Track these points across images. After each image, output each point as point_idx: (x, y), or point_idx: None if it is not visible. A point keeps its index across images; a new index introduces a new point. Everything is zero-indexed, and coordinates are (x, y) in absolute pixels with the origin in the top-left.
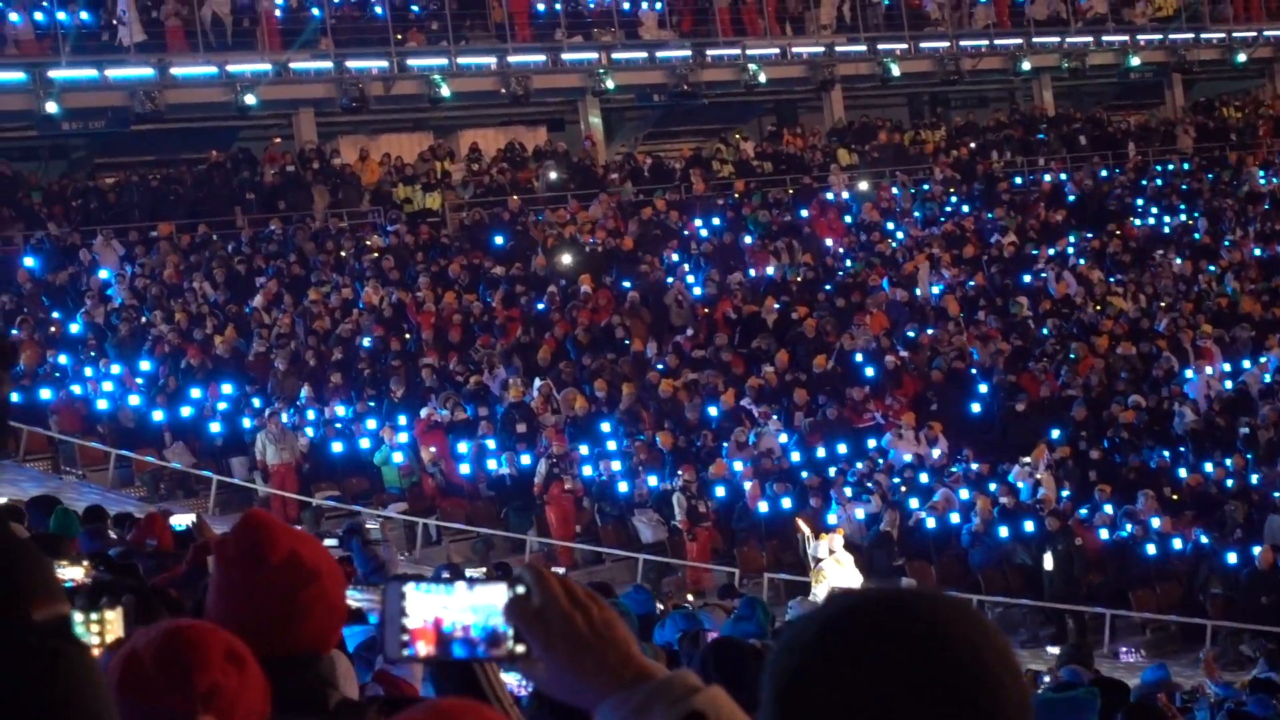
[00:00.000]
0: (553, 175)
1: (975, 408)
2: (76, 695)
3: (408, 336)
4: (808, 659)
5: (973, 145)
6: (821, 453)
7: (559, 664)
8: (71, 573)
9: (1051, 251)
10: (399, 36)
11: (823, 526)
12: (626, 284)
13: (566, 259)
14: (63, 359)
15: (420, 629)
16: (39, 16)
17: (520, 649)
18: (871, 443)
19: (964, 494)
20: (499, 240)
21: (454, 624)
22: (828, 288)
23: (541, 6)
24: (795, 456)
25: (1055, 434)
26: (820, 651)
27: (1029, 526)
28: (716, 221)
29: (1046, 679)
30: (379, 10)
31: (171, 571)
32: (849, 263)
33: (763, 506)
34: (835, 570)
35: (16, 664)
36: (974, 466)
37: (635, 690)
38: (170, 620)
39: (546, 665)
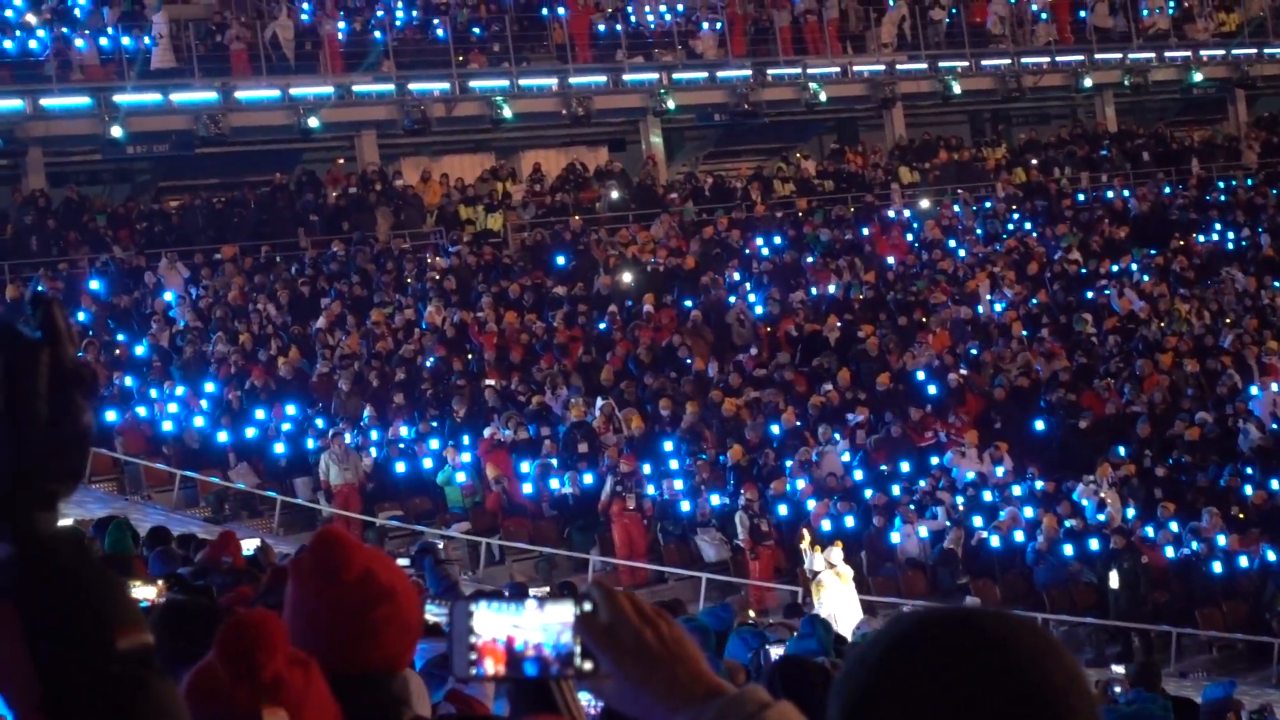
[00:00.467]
0: (614, 195)
1: (1039, 425)
2: None
3: (470, 357)
4: (875, 678)
5: (1035, 162)
6: (885, 470)
7: (630, 680)
8: (144, 592)
9: (1115, 268)
10: (460, 58)
11: (820, 539)
12: (688, 303)
13: (628, 278)
14: (128, 381)
15: (489, 647)
16: (104, 42)
17: (588, 666)
18: (934, 460)
19: (1028, 512)
20: (561, 260)
21: (523, 642)
22: (890, 306)
23: (602, 27)
24: (858, 475)
25: (1120, 451)
26: (888, 670)
27: (1094, 545)
28: (778, 240)
29: (1118, 689)
30: (440, 32)
31: (239, 591)
32: (911, 281)
33: (825, 525)
34: (834, 583)
35: (103, 693)
36: (1039, 485)
37: (707, 706)
38: (235, 615)
39: (616, 682)
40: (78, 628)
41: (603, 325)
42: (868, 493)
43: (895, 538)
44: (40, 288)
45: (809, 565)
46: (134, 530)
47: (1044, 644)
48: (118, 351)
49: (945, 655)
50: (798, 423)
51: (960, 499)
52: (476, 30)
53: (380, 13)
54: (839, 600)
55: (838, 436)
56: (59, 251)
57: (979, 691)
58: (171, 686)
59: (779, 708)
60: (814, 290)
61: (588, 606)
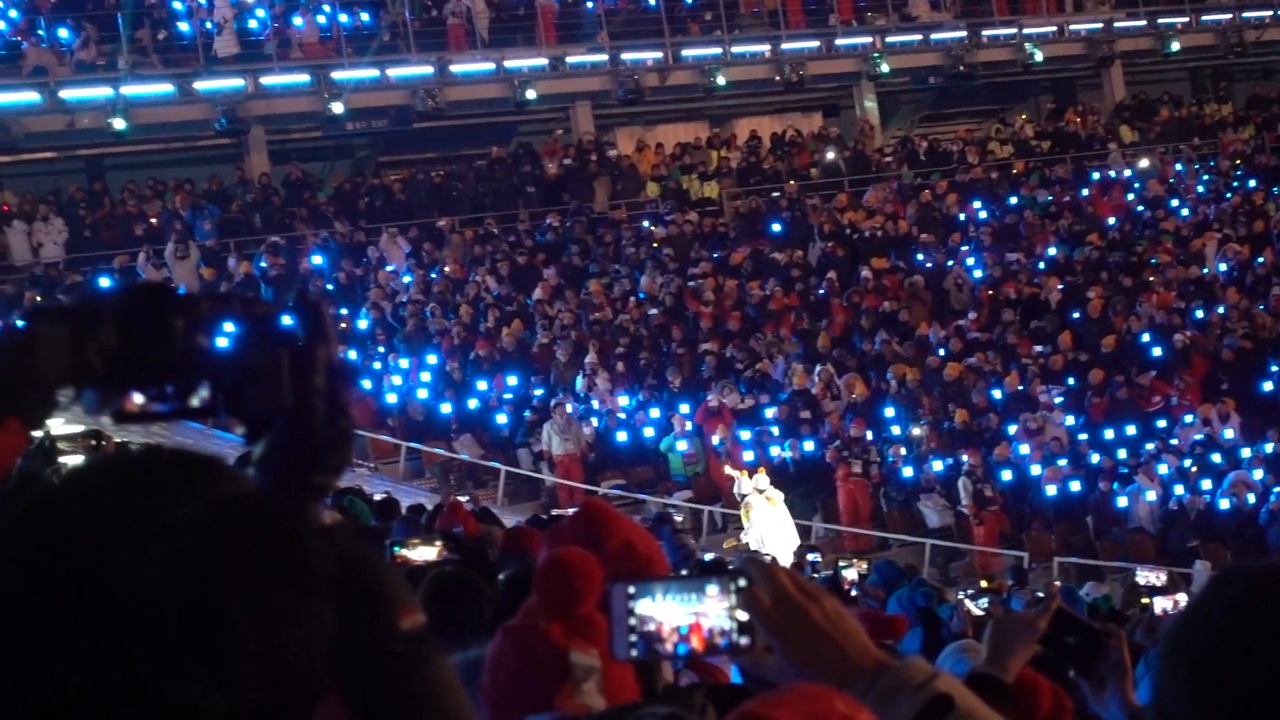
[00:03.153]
0: (830, 156)
1: (1267, 386)
2: (446, 698)
3: (688, 325)
4: (1224, 639)
5: (1260, 119)
6: (1110, 434)
7: (798, 656)
8: (423, 552)
9: None
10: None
11: (746, 465)
12: (906, 268)
13: (844, 244)
14: (351, 355)
15: (648, 628)
16: (321, 20)
17: (745, 642)
18: (1161, 423)
19: (1257, 474)
20: (776, 227)
21: (682, 622)
22: (1110, 267)
23: None
24: (1083, 438)
25: None
26: (1237, 630)
27: None
28: (995, 203)
29: None
30: (652, 2)
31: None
32: (1133, 241)
33: (1051, 490)
34: (763, 506)
35: (389, 671)
36: (1269, 447)
37: (876, 678)
38: (552, 550)
39: (780, 658)
40: (362, 611)
41: (821, 291)
42: (1094, 456)
43: (1122, 502)
44: (262, 264)
45: (737, 489)
46: (370, 502)
47: None
48: (341, 326)
49: None
50: (1020, 386)
51: (1188, 461)
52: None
53: None
54: (768, 523)
55: (1060, 400)
56: (282, 228)
57: None
58: (448, 663)
59: (945, 677)
60: (1034, 252)
61: (743, 583)
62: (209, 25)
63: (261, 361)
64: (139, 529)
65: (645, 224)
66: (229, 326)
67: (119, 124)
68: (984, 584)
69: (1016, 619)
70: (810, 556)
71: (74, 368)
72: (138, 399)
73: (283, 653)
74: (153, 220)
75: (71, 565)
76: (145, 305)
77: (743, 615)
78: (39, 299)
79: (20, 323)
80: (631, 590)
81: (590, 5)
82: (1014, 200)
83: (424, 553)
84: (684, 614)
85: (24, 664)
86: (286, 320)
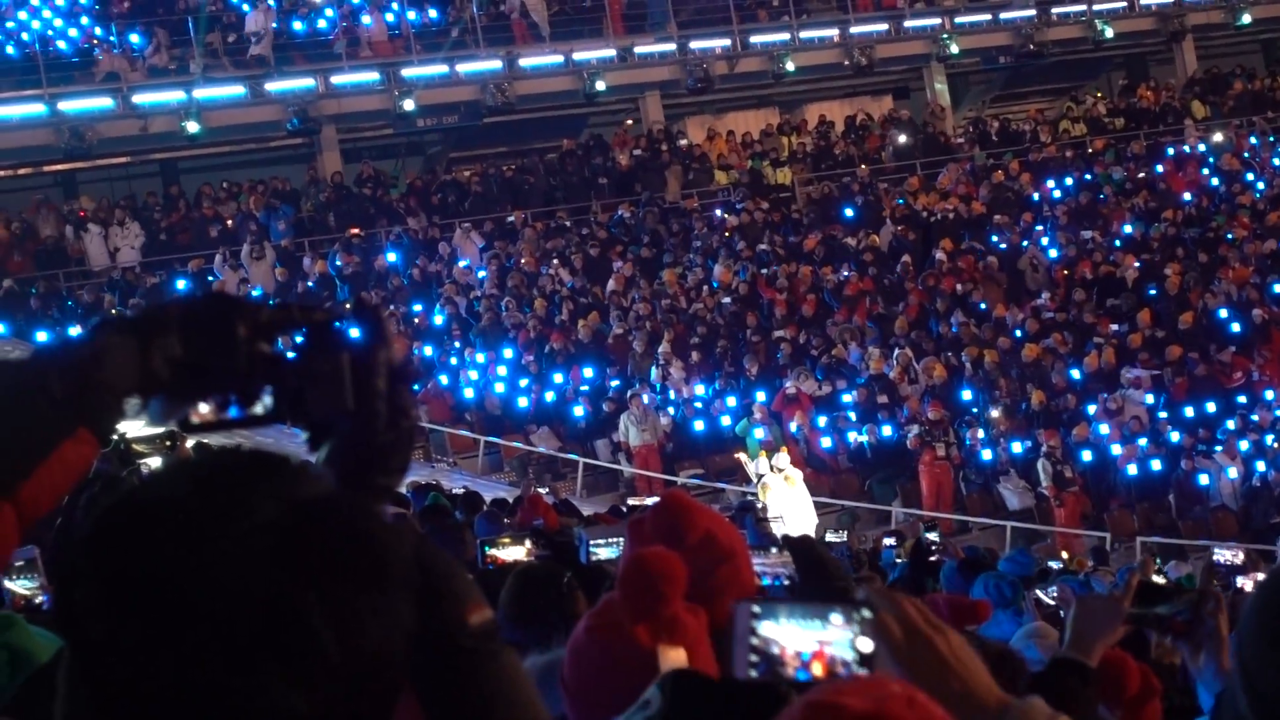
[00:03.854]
0: (901, 139)
1: None
2: (517, 693)
3: (762, 312)
4: None
5: None
6: (1190, 412)
7: (922, 689)
8: (513, 552)
9: None
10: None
11: (764, 445)
12: (981, 249)
13: (917, 227)
14: (428, 350)
15: (771, 649)
16: (389, 18)
17: (864, 673)
18: (1242, 399)
19: None
20: (849, 212)
21: (805, 648)
22: (1187, 243)
23: None
24: (1163, 416)
25: None
26: None
27: None
28: (1069, 181)
29: None
30: None
31: None
32: (1209, 217)
33: (1132, 469)
34: (780, 485)
35: (460, 666)
36: None
37: (1002, 715)
38: (634, 550)
39: None
40: (432, 608)
41: (895, 275)
42: (1174, 435)
43: (1204, 480)
44: (336, 262)
45: (754, 470)
46: (450, 497)
47: None
48: (416, 321)
49: None
50: (1099, 366)
51: (1271, 437)
52: None
53: None
54: (785, 502)
55: (1139, 375)
56: (356, 226)
57: None
58: (517, 659)
59: (1063, 717)
60: (1109, 230)
61: (867, 613)
62: (250, 36)
63: (324, 366)
64: (219, 530)
65: (717, 212)
66: (291, 332)
67: (192, 127)
68: (1057, 564)
69: (1099, 600)
70: (931, 535)
71: (142, 377)
72: (204, 408)
73: (360, 651)
74: (228, 222)
75: (151, 567)
76: (209, 314)
77: (864, 646)
78: (116, 304)
79: (88, 333)
80: (756, 610)
81: None
82: (1088, 178)
83: (514, 552)
84: (808, 639)
85: (106, 664)
86: (346, 325)
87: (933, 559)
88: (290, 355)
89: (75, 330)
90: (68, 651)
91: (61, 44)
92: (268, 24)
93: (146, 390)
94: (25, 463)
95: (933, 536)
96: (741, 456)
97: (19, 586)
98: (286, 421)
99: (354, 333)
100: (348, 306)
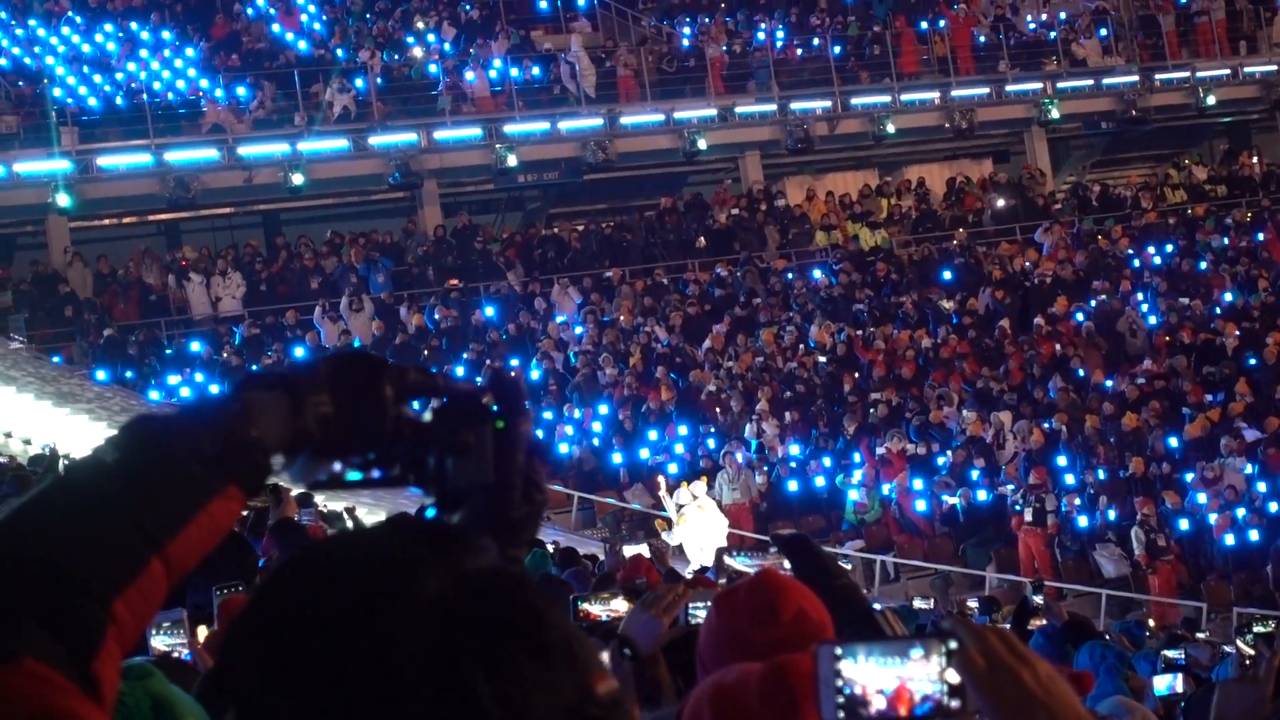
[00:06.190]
0: (1000, 203)
1: None
2: None
3: (858, 374)
4: None
5: None
6: None
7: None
8: (618, 605)
9: None
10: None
11: (672, 479)
12: (1080, 315)
13: (1015, 291)
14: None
15: (850, 691)
16: (493, 75)
17: (955, 704)
18: None
19: None
20: (947, 275)
21: (887, 685)
22: None
23: (983, 38)
24: (1261, 487)
25: None
26: None
27: None
28: (1169, 248)
29: None
30: (829, 48)
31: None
32: None
33: (1229, 539)
34: (697, 515)
35: None
36: None
37: None
38: (769, 659)
39: None
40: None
41: (993, 338)
42: (1272, 505)
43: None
44: (434, 315)
45: (674, 503)
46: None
47: None
48: (520, 381)
49: None
50: (1199, 434)
51: None
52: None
53: (760, 34)
54: (701, 530)
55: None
56: (455, 279)
57: None
58: None
59: None
60: (1210, 298)
61: (954, 645)
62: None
63: (468, 437)
64: (387, 602)
65: (816, 273)
66: (433, 398)
67: (297, 179)
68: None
69: (1241, 686)
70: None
71: (292, 435)
72: (336, 466)
73: None
74: (329, 274)
75: (316, 640)
76: (358, 373)
77: (953, 677)
78: (214, 354)
79: (234, 389)
80: (838, 652)
81: (759, 55)
82: (1187, 245)
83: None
84: (888, 676)
85: None
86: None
87: (1039, 622)
88: (428, 419)
89: (174, 379)
90: None
91: (169, 95)
92: (372, 78)
93: (296, 448)
94: (177, 520)
95: (1038, 599)
96: (661, 489)
97: (161, 643)
98: (415, 485)
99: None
100: (486, 378)
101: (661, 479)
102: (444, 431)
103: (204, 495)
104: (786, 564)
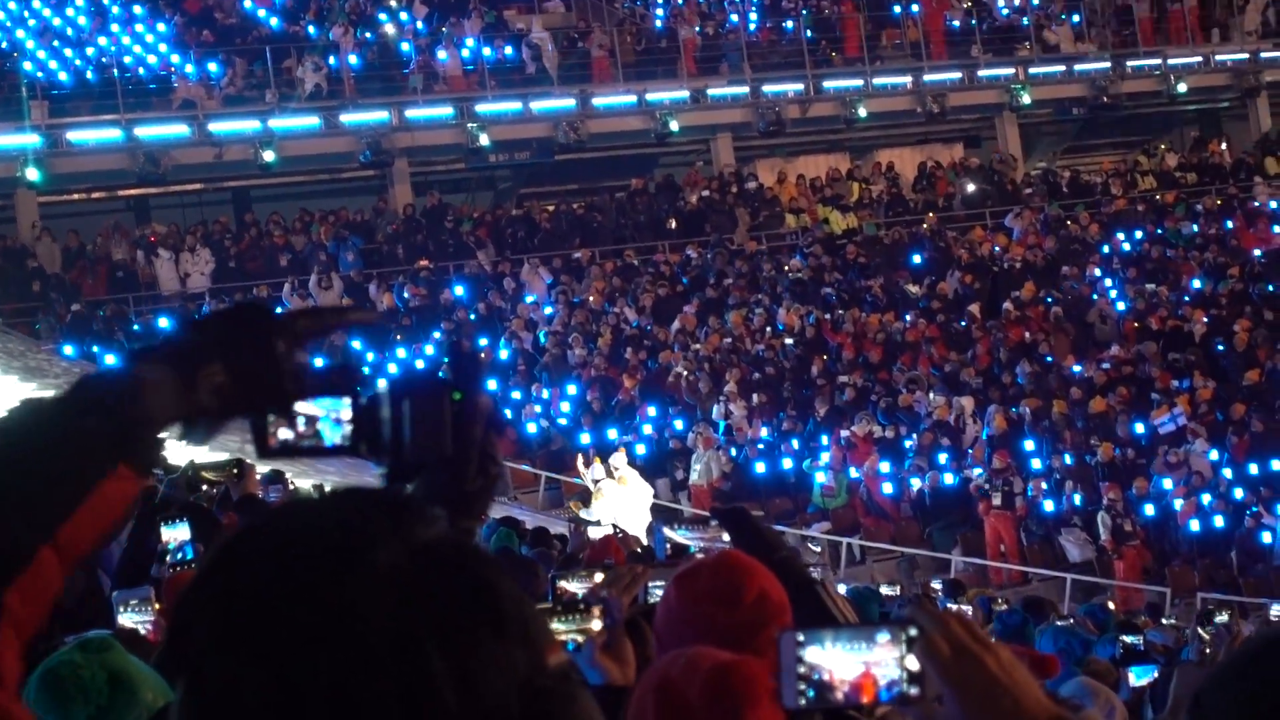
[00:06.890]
0: (970, 188)
1: None
2: None
3: (826, 357)
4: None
5: None
6: (1254, 469)
7: (973, 706)
8: (583, 586)
9: None
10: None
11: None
12: (1049, 300)
13: (984, 276)
14: (492, 384)
15: (815, 678)
16: (465, 54)
17: (915, 691)
18: None
19: None
20: (917, 259)
21: (850, 670)
22: (1255, 300)
23: (956, 23)
24: (1227, 474)
25: None
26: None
27: None
28: (1139, 234)
29: None
30: (798, 30)
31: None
32: (1278, 274)
33: (1194, 525)
34: (614, 489)
35: (542, 708)
36: None
37: None
38: (713, 657)
39: (953, 709)
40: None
41: (962, 323)
42: (1237, 492)
43: (1266, 538)
44: (403, 294)
45: (590, 476)
46: (514, 532)
47: None
48: (481, 356)
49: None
50: (1163, 420)
51: None
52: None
53: (734, 16)
54: (620, 503)
55: (1184, 424)
56: (425, 258)
57: None
58: (593, 700)
59: None
60: (1179, 284)
61: (914, 632)
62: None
63: (425, 409)
64: (345, 573)
65: (785, 256)
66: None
67: (268, 156)
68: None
69: (1200, 670)
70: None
71: (187, 408)
72: (283, 434)
73: (479, 698)
74: (298, 251)
75: (270, 611)
76: (247, 333)
77: (913, 664)
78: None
79: (124, 364)
80: (800, 638)
81: (732, 38)
82: (1158, 231)
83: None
84: (853, 662)
85: (221, 708)
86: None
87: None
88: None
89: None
90: (180, 692)
91: (140, 70)
92: (344, 54)
93: (190, 420)
94: (65, 506)
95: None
96: (579, 463)
97: (128, 620)
98: (367, 456)
99: (451, 376)
100: (445, 351)
101: (580, 455)
102: (405, 405)
103: (94, 477)
104: (725, 536)
